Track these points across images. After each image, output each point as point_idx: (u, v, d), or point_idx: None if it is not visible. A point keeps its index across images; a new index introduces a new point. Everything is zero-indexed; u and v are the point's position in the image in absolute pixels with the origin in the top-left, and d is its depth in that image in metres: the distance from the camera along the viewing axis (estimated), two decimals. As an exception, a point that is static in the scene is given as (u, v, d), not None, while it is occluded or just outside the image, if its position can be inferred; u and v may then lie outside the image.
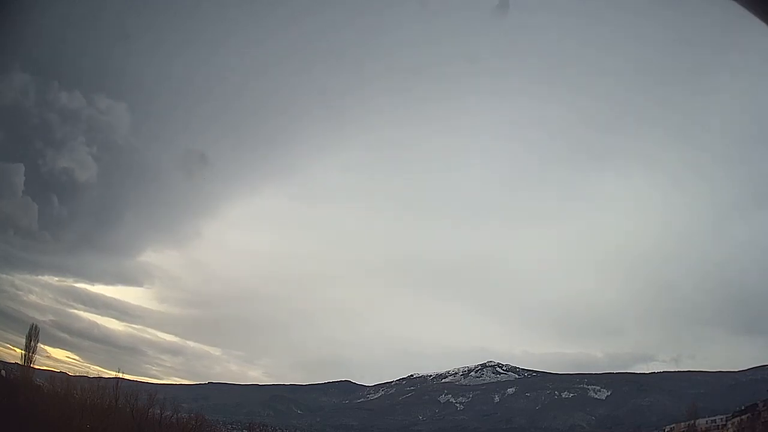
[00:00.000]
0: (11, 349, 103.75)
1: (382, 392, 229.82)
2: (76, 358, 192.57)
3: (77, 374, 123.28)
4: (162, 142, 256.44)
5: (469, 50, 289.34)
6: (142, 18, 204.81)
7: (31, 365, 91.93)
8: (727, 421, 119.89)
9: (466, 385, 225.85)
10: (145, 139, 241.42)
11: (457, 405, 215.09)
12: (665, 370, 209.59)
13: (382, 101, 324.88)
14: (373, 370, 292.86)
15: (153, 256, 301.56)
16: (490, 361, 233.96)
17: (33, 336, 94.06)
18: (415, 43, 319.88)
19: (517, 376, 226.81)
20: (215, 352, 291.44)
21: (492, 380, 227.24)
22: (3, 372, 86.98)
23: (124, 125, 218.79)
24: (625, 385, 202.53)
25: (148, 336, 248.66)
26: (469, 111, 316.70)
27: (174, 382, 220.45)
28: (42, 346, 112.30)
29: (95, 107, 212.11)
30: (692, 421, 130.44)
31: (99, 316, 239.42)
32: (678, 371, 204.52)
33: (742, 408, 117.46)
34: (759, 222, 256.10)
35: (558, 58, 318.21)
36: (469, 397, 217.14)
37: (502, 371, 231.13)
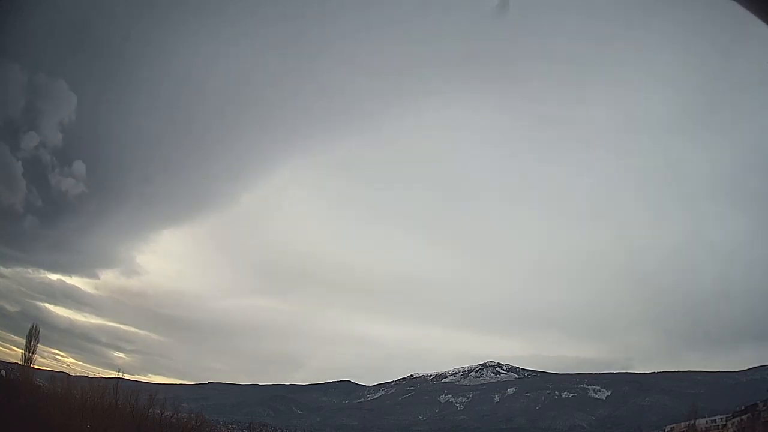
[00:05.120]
0: (11, 348, 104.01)
1: (382, 392, 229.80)
2: (48, 349, 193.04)
3: (77, 374, 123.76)
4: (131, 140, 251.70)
5: (466, 50, 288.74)
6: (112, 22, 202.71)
7: (31, 365, 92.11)
8: (727, 421, 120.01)
9: (466, 385, 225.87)
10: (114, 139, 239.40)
11: (457, 405, 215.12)
12: (665, 370, 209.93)
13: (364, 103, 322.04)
14: (373, 370, 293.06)
15: (115, 250, 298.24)
16: (490, 361, 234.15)
17: (33, 336, 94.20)
18: (410, 41, 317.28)
19: (517, 376, 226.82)
20: (167, 341, 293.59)
21: (492, 380, 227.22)
22: (3, 372, 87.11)
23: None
24: (625, 385, 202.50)
25: (105, 325, 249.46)
26: (456, 112, 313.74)
27: (174, 382, 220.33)
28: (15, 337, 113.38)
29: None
30: (692, 421, 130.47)
31: (61, 307, 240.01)
32: (678, 371, 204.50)
33: (742, 408, 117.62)
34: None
35: (555, 59, 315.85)
36: (469, 397, 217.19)
37: (502, 371, 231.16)
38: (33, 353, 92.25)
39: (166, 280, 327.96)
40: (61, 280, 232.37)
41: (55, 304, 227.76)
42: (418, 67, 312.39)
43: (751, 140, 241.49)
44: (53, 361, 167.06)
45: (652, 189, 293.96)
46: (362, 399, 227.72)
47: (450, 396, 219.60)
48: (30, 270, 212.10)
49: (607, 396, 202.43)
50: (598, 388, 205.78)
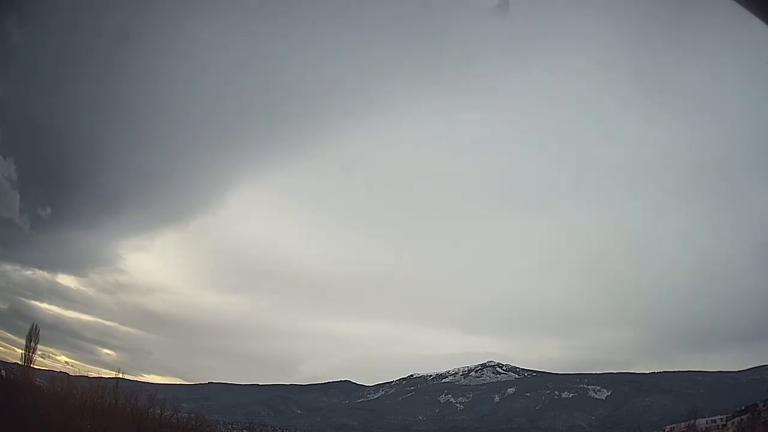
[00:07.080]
0: (11, 348, 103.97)
1: (382, 392, 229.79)
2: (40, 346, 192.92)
3: (76, 374, 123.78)
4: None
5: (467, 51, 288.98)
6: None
7: (31, 365, 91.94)
8: (727, 421, 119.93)
9: (466, 385, 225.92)
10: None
11: (457, 405, 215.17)
12: (665, 370, 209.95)
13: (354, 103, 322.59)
14: (373, 370, 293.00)
15: (103, 250, 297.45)
16: (490, 361, 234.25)
17: (33, 336, 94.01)
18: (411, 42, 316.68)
19: (517, 376, 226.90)
20: (156, 338, 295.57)
21: (492, 380, 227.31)
22: (3, 372, 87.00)
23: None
24: (625, 385, 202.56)
25: (92, 322, 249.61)
26: (441, 112, 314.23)
27: (174, 382, 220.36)
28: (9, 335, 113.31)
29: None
30: (692, 421, 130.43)
31: (47, 304, 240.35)
32: (678, 371, 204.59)
33: (742, 408, 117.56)
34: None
35: (555, 59, 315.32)
36: (469, 397, 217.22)
37: (502, 371, 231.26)
38: (33, 353, 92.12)
39: (156, 278, 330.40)
40: (47, 277, 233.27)
41: (42, 301, 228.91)
42: (395, 67, 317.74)
43: (739, 125, 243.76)
44: (39, 356, 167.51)
45: (651, 186, 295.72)
46: (362, 399, 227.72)
47: (450, 396, 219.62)
48: (18, 267, 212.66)
49: (607, 396, 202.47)
50: (598, 388, 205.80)
